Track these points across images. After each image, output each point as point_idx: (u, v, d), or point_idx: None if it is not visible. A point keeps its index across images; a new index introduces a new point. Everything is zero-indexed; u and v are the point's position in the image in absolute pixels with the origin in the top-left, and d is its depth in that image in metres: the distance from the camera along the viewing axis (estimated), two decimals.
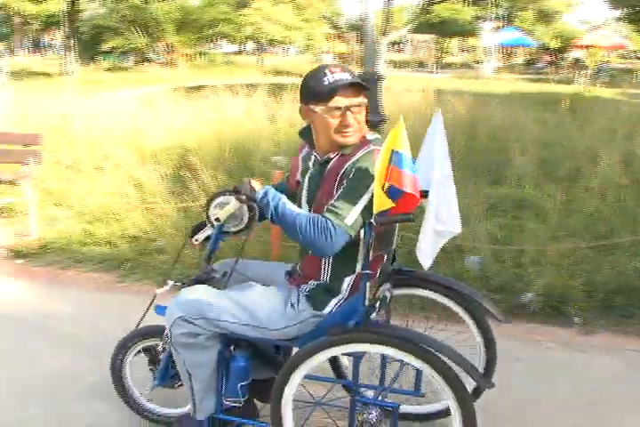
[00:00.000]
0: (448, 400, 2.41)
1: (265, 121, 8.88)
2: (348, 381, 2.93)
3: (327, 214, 2.43)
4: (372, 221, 2.36)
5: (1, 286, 4.97)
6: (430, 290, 3.01)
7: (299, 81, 2.59)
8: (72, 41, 29.43)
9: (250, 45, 47.50)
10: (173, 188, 6.40)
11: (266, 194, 2.57)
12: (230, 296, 2.67)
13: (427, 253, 2.64)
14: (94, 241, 5.72)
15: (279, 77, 20.68)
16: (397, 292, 2.95)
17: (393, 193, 2.30)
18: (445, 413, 3.06)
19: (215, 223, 2.74)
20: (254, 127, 8.44)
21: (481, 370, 3.00)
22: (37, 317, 4.35)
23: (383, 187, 2.28)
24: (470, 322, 3.01)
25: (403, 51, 54.15)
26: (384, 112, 7.74)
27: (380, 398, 2.71)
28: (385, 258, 2.70)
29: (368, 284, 2.45)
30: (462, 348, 2.65)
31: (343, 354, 2.60)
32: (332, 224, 2.40)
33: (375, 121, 7.15)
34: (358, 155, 2.51)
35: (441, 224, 2.61)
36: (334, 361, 3.29)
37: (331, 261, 2.58)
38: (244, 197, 2.61)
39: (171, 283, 2.88)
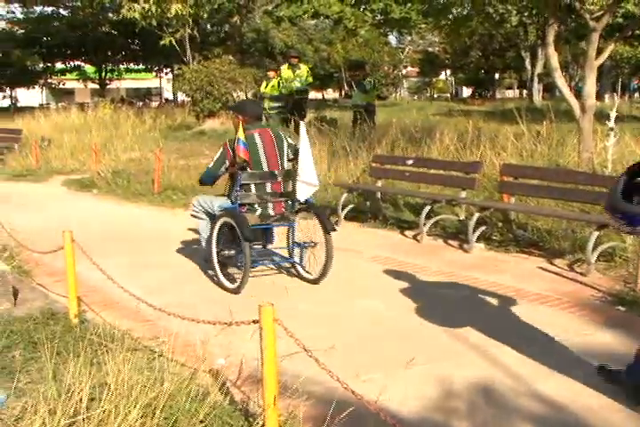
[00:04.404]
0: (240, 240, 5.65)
1: None
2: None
3: None
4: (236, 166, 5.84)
5: (600, 335, 4.84)
6: (311, 213, 5.98)
7: None
8: None
9: None
10: None
11: None
12: (212, 199, 6.15)
13: (301, 192, 5.74)
14: None
15: None
16: (300, 215, 6.08)
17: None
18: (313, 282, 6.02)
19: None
20: None
21: (323, 261, 5.85)
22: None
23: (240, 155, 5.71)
24: (320, 232, 5.87)
25: None
26: None
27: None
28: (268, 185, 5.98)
29: (238, 194, 5.82)
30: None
31: (223, 223, 5.86)
32: (206, 168, 6.15)
33: None
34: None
35: (304, 178, 5.69)
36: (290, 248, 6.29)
37: (230, 185, 6.05)
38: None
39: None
